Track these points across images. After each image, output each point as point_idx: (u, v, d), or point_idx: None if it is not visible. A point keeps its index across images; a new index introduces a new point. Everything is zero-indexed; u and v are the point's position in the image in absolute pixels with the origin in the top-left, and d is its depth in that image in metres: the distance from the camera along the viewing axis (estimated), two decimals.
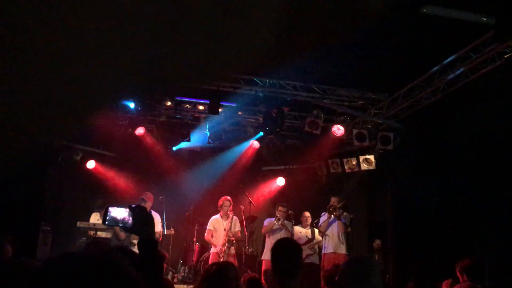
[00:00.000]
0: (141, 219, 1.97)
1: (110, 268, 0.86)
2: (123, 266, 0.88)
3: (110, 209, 2.03)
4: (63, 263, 0.85)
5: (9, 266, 1.59)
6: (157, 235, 7.80)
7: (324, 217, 8.27)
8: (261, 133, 9.48)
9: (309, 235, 8.49)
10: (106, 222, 2.14)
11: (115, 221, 2.12)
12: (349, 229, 8.39)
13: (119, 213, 2.12)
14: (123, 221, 2.04)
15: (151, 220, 2.07)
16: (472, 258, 4.30)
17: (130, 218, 1.98)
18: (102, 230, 8.18)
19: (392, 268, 9.08)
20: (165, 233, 8.00)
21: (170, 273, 8.56)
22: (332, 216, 8.11)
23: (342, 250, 7.97)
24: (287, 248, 3.07)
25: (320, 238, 8.39)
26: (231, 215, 8.05)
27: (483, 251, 8.14)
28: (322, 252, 8.20)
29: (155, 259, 2.17)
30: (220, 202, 8.11)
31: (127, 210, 2.00)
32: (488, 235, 8.20)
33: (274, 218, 8.26)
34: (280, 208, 8.23)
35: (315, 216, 8.62)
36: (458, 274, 4.30)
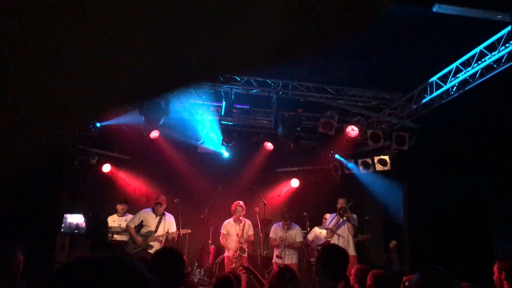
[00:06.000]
0: (94, 224, 2.00)
1: (126, 272, 0.86)
2: (139, 270, 0.88)
3: (66, 215, 2.06)
4: (78, 267, 0.86)
5: None
6: (173, 235, 7.90)
7: (332, 220, 8.26)
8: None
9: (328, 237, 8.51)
10: (62, 229, 2.17)
11: (70, 227, 2.14)
12: (360, 235, 8.39)
13: (75, 219, 2.15)
14: (78, 227, 2.07)
15: (105, 225, 2.11)
16: None
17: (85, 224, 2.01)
18: (118, 233, 8.25)
19: (408, 269, 9.00)
20: (181, 235, 8.04)
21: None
22: (342, 218, 8.11)
23: (352, 251, 7.95)
24: (336, 255, 3.19)
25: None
26: (243, 221, 8.16)
27: (501, 250, 8.03)
28: None
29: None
30: (233, 207, 8.24)
31: (82, 216, 2.02)
32: (505, 235, 8.09)
33: (280, 224, 8.38)
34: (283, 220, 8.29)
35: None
36: (495, 270, 4.21)
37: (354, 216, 8.25)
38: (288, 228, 8.39)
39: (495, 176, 8.19)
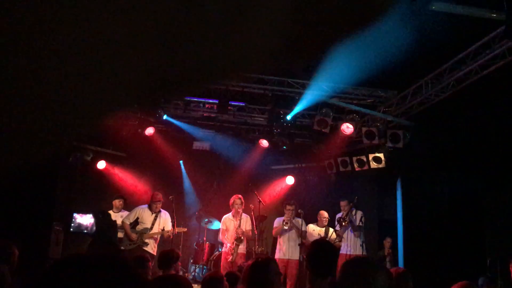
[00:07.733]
0: (104, 224, 2.00)
1: (119, 269, 0.87)
2: (131, 268, 0.89)
3: (76, 215, 2.06)
4: (72, 264, 0.86)
5: None
6: (169, 233, 7.86)
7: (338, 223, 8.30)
8: None
9: (322, 234, 8.50)
10: (71, 229, 2.17)
11: (80, 227, 2.15)
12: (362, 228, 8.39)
13: (85, 219, 2.15)
14: (88, 227, 2.07)
15: (114, 225, 2.11)
16: None
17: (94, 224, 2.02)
18: None
19: (403, 266, 9.05)
20: (175, 232, 8.02)
21: (181, 272, 8.59)
22: (341, 226, 8.15)
23: (359, 251, 7.96)
24: (323, 249, 3.18)
25: (334, 236, 8.40)
26: (240, 214, 8.08)
27: (494, 248, 8.08)
28: (340, 252, 8.24)
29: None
30: (231, 201, 8.14)
31: (92, 217, 2.02)
32: (498, 233, 8.14)
33: (283, 218, 8.26)
34: (288, 207, 8.18)
35: (331, 215, 8.63)
36: (510, 269, 4.28)
37: (360, 213, 8.22)
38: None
39: (489, 173, 8.24)
